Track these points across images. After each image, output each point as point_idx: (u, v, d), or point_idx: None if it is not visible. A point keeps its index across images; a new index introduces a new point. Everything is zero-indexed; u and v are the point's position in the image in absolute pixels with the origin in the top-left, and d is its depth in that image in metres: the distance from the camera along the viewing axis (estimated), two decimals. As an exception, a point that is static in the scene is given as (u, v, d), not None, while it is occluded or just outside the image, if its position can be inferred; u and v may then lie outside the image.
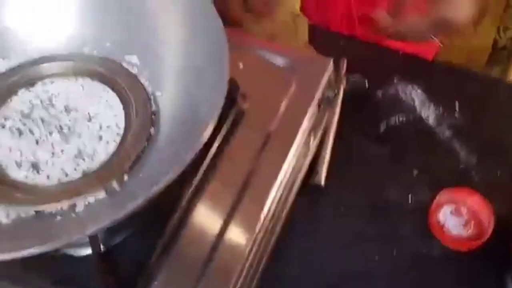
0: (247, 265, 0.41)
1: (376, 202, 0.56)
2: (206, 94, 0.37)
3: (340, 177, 0.57)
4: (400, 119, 0.60)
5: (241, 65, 0.48)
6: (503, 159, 0.57)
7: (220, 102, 0.35)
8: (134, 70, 0.44)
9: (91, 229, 0.32)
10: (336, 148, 0.57)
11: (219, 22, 0.39)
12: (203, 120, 0.35)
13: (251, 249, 0.41)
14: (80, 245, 0.39)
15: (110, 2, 0.43)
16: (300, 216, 0.53)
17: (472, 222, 0.54)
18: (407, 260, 0.52)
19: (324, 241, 0.54)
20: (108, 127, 0.41)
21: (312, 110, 0.47)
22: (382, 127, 0.60)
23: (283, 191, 0.47)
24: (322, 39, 0.63)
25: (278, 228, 0.49)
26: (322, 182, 0.56)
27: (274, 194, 0.43)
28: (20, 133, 0.41)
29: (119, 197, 0.37)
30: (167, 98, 0.42)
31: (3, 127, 0.41)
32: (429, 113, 0.60)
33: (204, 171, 0.43)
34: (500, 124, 0.61)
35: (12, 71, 0.43)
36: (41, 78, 0.43)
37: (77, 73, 0.43)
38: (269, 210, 0.43)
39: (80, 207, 0.37)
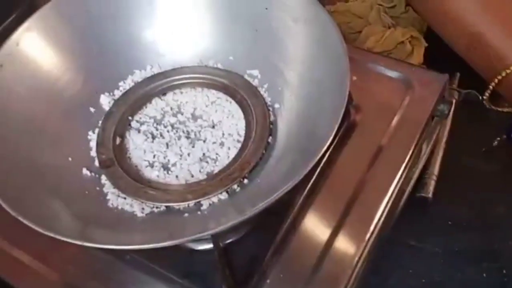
0: (353, 276, 0.42)
1: (485, 218, 0.55)
2: (324, 108, 0.39)
3: (449, 191, 0.56)
4: (515, 135, 0.58)
5: (354, 78, 0.50)
6: None
7: (338, 118, 0.37)
8: (254, 83, 0.47)
9: (215, 229, 0.36)
10: (446, 161, 0.57)
11: (340, 41, 0.40)
12: (320, 135, 0.38)
13: (359, 260, 0.42)
14: (202, 240, 0.43)
15: (239, 21, 0.47)
16: (405, 228, 0.53)
17: None
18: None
19: (428, 255, 0.54)
20: (230, 134, 0.45)
21: (425, 125, 0.47)
22: (495, 142, 0.59)
23: (391, 203, 0.48)
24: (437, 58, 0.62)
25: (384, 240, 0.50)
26: (430, 194, 0.56)
27: (383, 206, 0.44)
28: (153, 137, 0.46)
29: (239, 199, 0.41)
30: (286, 110, 0.44)
31: (139, 131, 0.46)
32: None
33: (315, 179, 0.45)
34: None
35: (148, 80, 0.48)
36: (172, 88, 0.48)
37: (204, 84, 0.48)
38: (378, 222, 0.44)
39: (205, 206, 0.41)
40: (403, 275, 0.53)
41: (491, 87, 0.50)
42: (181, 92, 0.48)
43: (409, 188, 0.53)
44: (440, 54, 0.64)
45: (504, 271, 0.52)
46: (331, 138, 0.37)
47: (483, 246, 0.54)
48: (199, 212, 0.41)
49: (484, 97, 0.49)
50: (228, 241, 0.43)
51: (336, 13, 0.61)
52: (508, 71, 0.43)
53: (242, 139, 0.44)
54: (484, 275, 0.52)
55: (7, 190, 0.37)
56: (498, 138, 0.59)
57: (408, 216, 0.54)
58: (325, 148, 0.36)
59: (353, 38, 0.61)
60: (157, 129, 0.46)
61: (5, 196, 0.36)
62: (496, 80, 0.50)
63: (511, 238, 0.53)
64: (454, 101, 0.60)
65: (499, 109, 0.55)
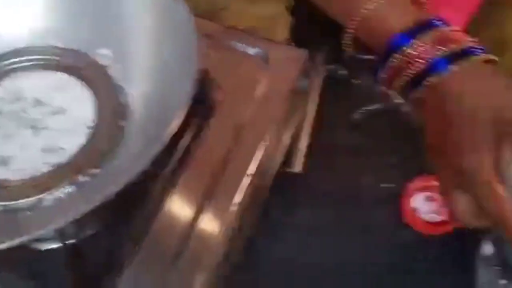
0: (220, 255, 0.41)
1: (351, 190, 0.57)
2: (175, 87, 0.37)
3: (317, 166, 0.57)
4: (376, 107, 0.61)
5: (213, 56, 0.48)
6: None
7: (189, 94, 0.35)
8: (104, 63, 0.43)
9: (58, 223, 0.32)
10: (314, 136, 0.58)
11: (189, 15, 0.38)
12: (172, 113, 0.35)
13: (225, 238, 0.41)
14: (50, 238, 0.39)
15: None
16: (275, 204, 0.53)
17: (445, 208, 0.54)
18: (381, 247, 0.53)
19: (297, 229, 0.54)
20: (77, 120, 0.41)
21: (285, 101, 0.47)
22: (358, 115, 0.61)
23: (256, 180, 0.48)
24: (304, 32, 0.62)
25: (251, 217, 0.49)
26: (297, 169, 0.56)
27: (246, 183, 0.43)
28: (-12, 128, 0.40)
29: (89, 191, 0.37)
30: (137, 91, 0.41)
31: (-29, 122, 0.41)
32: (403, 102, 0.61)
33: (176, 162, 0.43)
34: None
35: (-22, 66, 0.43)
36: (8, 72, 0.43)
37: (46, 66, 0.43)
38: (241, 200, 0.43)
39: (48, 201, 0.37)
40: (275, 248, 0.53)
41: (349, 30, 0.49)
42: (20, 77, 0.43)
43: (277, 164, 0.53)
44: (309, 29, 0.65)
45: (369, 240, 0.54)
46: (182, 114, 0.35)
47: (349, 217, 0.55)
48: (42, 209, 0.37)
49: (344, 43, 0.47)
50: (82, 237, 0.40)
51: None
52: (364, 11, 0.42)
53: (91, 124, 0.40)
54: (351, 245, 0.54)
55: None
56: (361, 111, 0.61)
57: (279, 191, 0.54)
58: (176, 124, 0.34)
59: (218, 15, 0.59)
60: (-7, 119, 0.41)
61: None
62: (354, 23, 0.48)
63: (376, 208, 0.55)
64: (322, 77, 0.61)
65: (360, 56, 0.54)
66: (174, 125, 0.34)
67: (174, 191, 0.42)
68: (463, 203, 0.36)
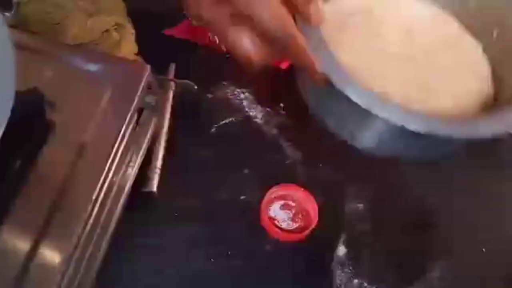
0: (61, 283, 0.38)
1: (209, 205, 0.56)
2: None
3: (174, 183, 0.56)
4: (230, 120, 0.61)
5: (49, 74, 0.45)
6: (324, 153, 0.61)
7: (4, 118, 0.32)
8: None
9: None
10: (169, 153, 0.57)
11: (3, 27, 0.35)
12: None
13: (66, 270, 0.38)
14: None
15: None
16: (132, 225, 0.51)
17: (300, 215, 0.56)
18: (242, 258, 0.53)
19: (159, 249, 0.53)
20: None
21: (130, 117, 0.45)
22: (213, 129, 0.61)
23: (107, 204, 0.45)
24: (153, 46, 0.61)
25: (105, 242, 0.47)
26: (155, 189, 0.55)
27: (91, 205, 0.41)
28: None
29: None
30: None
31: None
32: (256, 113, 0.62)
33: (7, 193, 0.39)
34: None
35: None
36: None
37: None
38: (87, 222, 0.40)
39: None
40: (134, 271, 0.51)
41: None
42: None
43: (129, 184, 0.51)
44: (156, 43, 0.64)
45: (229, 252, 0.54)
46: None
47: (210, 231, 0.55)
48: None
49: None
50: None
51: (33, 2, 0.54)
52: None
53: None
54: (212, 260, 0.53)
55: None
56: (215, 125, 0.61)
57: (135, 212, 0.52)
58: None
59: (57, 30, 0.56)
60: None
61: None
62: None
63: (234, 219, 0.55)
64: (170, 91, 0.60)
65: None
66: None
67: (7, 222, 0.38)
68: (245, 39, 0.34)
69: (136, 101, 0.46)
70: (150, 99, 0.49)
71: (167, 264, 0.52)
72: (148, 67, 0.47)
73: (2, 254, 0.38)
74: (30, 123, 0.40)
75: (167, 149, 0.57)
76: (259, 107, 0.63)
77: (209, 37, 0.66)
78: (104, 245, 0.47)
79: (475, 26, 0.44)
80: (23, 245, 0.38)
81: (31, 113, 0.38)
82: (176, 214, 0.55)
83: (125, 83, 0.46)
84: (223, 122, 0.61)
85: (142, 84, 0.46)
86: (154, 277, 0.52)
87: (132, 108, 0.45)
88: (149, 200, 0.55)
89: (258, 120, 0.62)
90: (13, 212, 0.39)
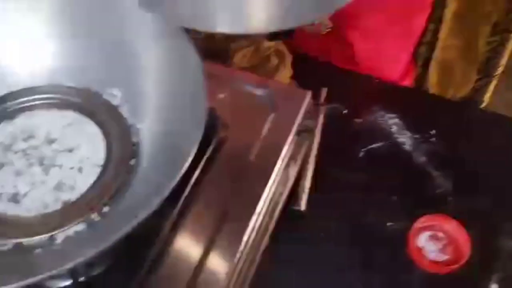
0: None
1: (356, 229, 0.57)
2: (185, 126, 0.38)
3: (321, 203, 0.57)
4: (378, 145, 0.62)
5: (222, 96, 0.49)
6: (478, 185, 0.58)
7: (199, 134, 0.36)
8: (115, 102, 0.44)
9: (70, 263, 0.32)
10: (317, 175, 0.58)
11: (197, 58, 0.40)
12: (182, 152, 0.36)
13: (231, 278, 0.41)
14: (61, 276, 0.39)
15: (93, 35, 0.44)
16: (282, 242, 0.53)
17: (450, 247, 0.55)
18: (384, 285, 0.53)
19: (304, 267, 0.54)
20: (88, 158, 0.41)
21: (291, 140, 0.48)
22: (361, 154, 0.61)
23: (263, 219, 0.48)
24: (304, 69, 0.64)
25: (258, 256, 0.49)
26: (303, 208, 0.57)
27: (254, 222, 0.44)
28: (1, 165, 0.41)
29: (99, 229, 0.38)
30: (147, 130, 0.42)
31: (-16, 160, 0.41)
32: (405, 139, 0.62)
33: (185, 199, 0.43)
34: (474, 151, 0.62)
35: (-7, 103, 0.44)
36: (22, 110, 0.44)
37: (58, 105, 0.44)
38: (249, 238, 0.43)
39: (60, 239, 0.37)
40: (279, 285, 0.53)
41: None
42: (33, 115, 0.44)
43: (282, 202, 0.53)
44: (310, 68, 0.67)
45: (375, 279, 0.54)
46: (192, 154, 0.36)
47: (355, 255, 0.55)
48: (53, 247, 0.37)
49: None
50: (93, 274, 0.40)
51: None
52: None
53: (102, 163, 0.41)
54: (358, 285, 0.54)
55: None
56: (363, 149, 0.62)
57: (283, 229, 0.54)
58: (187, 165, 0.35)
59: (222, 56, 0.61)
60: (5, 156, 0.42)
61: None
62: None
63: (381, 246, 0.55)
64: (321, 115, 0.62)
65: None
66: (185, 165, 0.35)
67: (182, 230, 0.42)
68: None
69: (297, 124, 0.48)
70: (307, 123, 0.51)
71: (308, 282, 0.54)
72: (309, 93, 0.50)
73: (176, 260, 0.42)
74: (204, 140, 0.44)
75: (316, 170, 0.59)
76: (408, 133, 0.62)
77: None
78: (257, 258, 0.49)
79: None
80: (194, 251, 0.42)
81: (208, 130, 0.41)
82: (322, 235, 0.57)
83: (287, 107, 0.49)
84: (371, 146, 0.62)
85: (303, 108, 0.49)
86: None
87: (293, 131, 0.48)
88: (297, 219, 0.57)
89: (407, 147, 0.62)
90: (189, 217, 0.43)
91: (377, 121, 0.63)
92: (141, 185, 0.40)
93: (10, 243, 0.37)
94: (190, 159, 0.36)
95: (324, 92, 0.65)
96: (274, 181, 0.46)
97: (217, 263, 0.42)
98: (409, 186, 0.59)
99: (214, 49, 0.59)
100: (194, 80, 0.38)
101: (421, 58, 0.75)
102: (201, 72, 0.38)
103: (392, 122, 0.63)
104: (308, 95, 0.50)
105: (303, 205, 0.57)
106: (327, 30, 0.68)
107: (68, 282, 0.38)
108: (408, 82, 0.74)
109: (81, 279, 0.38)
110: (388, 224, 0.57)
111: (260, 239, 0.49)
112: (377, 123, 0.63)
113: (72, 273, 0.37)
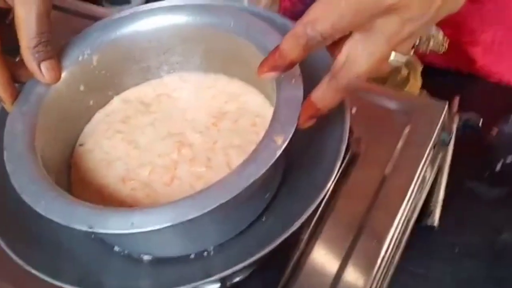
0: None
1: (492, 244, 0.55)
2: (327, 145, 0.39)
3: (454, 218, 0.56)
4: (517, 158, 0.59)
5: (354, 110, 0.50)
6: None
7: (341, 152, 0.37)
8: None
9: (222, 273, 0.35)
10: (451, 187, 0.57)
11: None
12: (325, 169, 0.38)
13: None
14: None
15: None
16: (415, 258, 0.53)
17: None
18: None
19: (439, 283, 0.53)
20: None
21: (428, 153, 0.47)
22: (498, 166, 0.59)
23: (398, 233, 0.48)
24: (432, 78, 0.63)
25: (392, 271, 0.49)
26: (436, 223, 0.55)
27: (391, 236, 0.44)
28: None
29: (246, 239, 0.40)
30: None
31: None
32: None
33: (320, 212, 0.45)
34: None
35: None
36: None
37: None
38: (386, 252, 0.44)
39: (210, 248, 0.40)
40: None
41: None
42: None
43: (414, 217, 0.52)
44: (438, 75, 0.65)
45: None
46: (335, 172, 0.37)
47: (492, 272, 0.53)
48: (205, 254, 0.40)
49: None
50: (235, 280, 0.43)
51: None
52: None
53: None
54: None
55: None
56: (501, 162, 0.59)
57: (415, 244, 0.53)
58: (330, 183, 0.36)
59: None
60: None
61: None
62: None
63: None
64: (455, 126, 0.60)
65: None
66: (330, 181, 0.36)
67: (320, 241, 0.44)
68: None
69: (434, 138, 0.47)
70: (443, 135, 0.50)
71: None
72: (446, 105, 0.49)
73: (314, 271, 0.43)
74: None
75: (449, 184, 0.57)
76: (551, 146, 0.58)
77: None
78: (391, 273, 0.49)
79: None
80: (331, 265, 0.43)
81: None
82: (456, 251, 0.55)
83: (423, 120, 0.48)
84: (509, 159, 0.59)
85: (440, 121, 0.48)
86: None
87: (430, 145, 0.47)
88: (429, 233, 0.56)
89: (552, 160, 0.58)
90: (325, 229, 0.44)
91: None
92: (285, 198, 0.42)
93: (168, 249, 0.41)
94: (332, 177, 0.37)
95: (456, 101, 0.62)
96: (410, 197, 0.45)
97: (354, 278, 0.42)
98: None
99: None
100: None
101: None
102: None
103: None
104: (445, 106, 0.49)
105: (436, 220, 0.55)
106: (443, 50, 0.66)
107: (217, 286, 0.41)
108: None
109: (228, 284, 0.41)
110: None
111: (394, 254, 0.49)
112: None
113: (221, 279, 0.39)
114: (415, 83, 0.60)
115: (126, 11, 0.46)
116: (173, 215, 0.33)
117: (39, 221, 0.36)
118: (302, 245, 0.44)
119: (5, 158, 0.38)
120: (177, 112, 0.46)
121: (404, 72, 0.60)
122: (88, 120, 0.46)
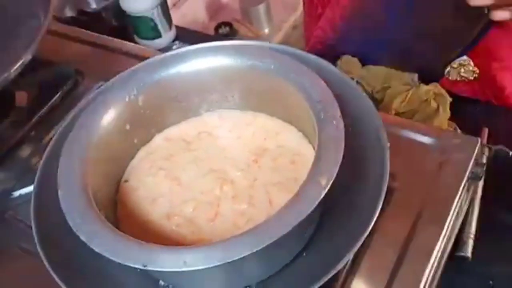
0: None
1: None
2: (366, 187, 0.41)
3: (488, 249, 0.56)
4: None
5: (388, 145, 0.51)
6: None
7: (381, 195, 0.38)
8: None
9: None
10: (482, 219, 0.57)
11: (376, 113, 0.42)
12: (367, 206, 0.39)
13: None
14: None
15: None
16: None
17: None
18: None
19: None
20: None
21: (462, 188, 0.48)
22: (532, 197, 0.59)
23: (436, 266, 0.48)
24: (461, 109, 0.64)
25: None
26: (469, 254, 0.56)
27: (428, 271, 0.45)
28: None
29: (288, 275, 0.41)
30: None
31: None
32: None
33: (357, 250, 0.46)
34: None
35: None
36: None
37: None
38: (424, 285, 0.44)
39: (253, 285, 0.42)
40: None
41: None
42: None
43: (449, 248, 0.53)
44: (465, 107, 0.66)
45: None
46: (377, 212, 0.38)
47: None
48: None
49: None
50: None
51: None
52: None
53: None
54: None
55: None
56: (532, 193, 0.59)
57: (448, 276, 0.54)
58: (370, 227, 0.38)
59: (377, 97, 0.63)
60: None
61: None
62: None
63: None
64: (485, 157, 0.61)
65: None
66: (373, 220, 0.37)
67: (357, 277, 0.45)
68: None
69: (468, 173, 0.48)
70: (476, 170, 0.51)
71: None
72: (479, 140, 0.50)
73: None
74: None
75: (481, 215, 0.58)
76: None
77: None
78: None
79: None
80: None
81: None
82: (491, 282, 0.55)
83: (456, 155, 0.50)
84: (542, 191, 0.59)
85: (473, 157, 0.49)
86: None
87: (464, 180, 0.48)
88: (462, 265, 0.56)
89: None
90: (361, 266, 0.45)
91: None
92: (324, 242, 0.43)
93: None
94: (377, 213, 0.38)
95: (485, 133, 0.63)
96: (446, 232, 0.46)
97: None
98: None
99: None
100: (376, 143, 0.41)
101: None
102: (381, 130, 0.41)
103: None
104: (478, 142, 0.50)
105: (469, 251, 0.56)
106: (474, 76, 0.67)
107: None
108: None
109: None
110: None
111: (429, 286, 0.50)
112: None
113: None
114: (444, 115, 0.61)
115: (169, 52, 0.49)
116: (224, 253, 0.34)
117: (85, 252, 0.37)
118: (339, 283, 0.44)
119: (59, 196, 0.40)
120: (218, 149, 0.48)
121: (434, 104, 0.61)
122: (132, 157, 0.48)
